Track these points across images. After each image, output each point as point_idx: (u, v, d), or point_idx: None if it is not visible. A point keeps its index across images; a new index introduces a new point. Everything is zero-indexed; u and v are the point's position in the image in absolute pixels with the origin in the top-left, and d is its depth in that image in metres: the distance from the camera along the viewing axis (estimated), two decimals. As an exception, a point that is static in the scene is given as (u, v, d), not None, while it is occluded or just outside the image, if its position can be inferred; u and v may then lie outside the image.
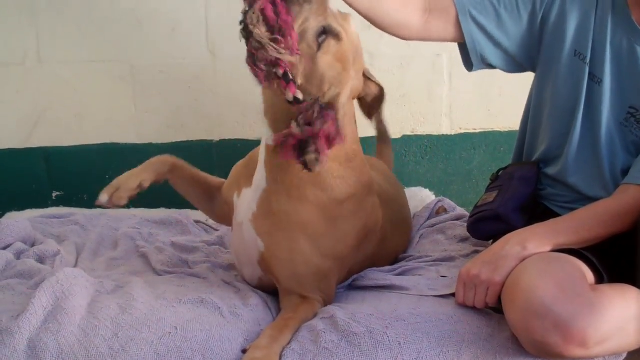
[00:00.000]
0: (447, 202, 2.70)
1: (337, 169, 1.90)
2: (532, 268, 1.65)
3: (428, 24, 2.02)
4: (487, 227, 2.05)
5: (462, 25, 2.00)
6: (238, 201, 1.99)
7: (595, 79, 1.91)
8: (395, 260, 2.27)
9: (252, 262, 1.94)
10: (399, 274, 2.08)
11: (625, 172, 1.87)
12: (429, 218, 2.61)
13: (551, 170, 2.04)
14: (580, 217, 1.81)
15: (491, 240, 2.06)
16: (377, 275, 2.04)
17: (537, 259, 1.69)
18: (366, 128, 3.04)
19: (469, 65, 2.09)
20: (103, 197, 1.98)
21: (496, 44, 2.02)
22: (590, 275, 1.69)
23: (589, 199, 1.89)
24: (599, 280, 1.71)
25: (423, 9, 2.00)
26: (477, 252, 2.19)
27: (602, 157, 1.91)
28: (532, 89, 2.14)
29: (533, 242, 1.74)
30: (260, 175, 1.91)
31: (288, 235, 1.86)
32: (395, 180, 2.53)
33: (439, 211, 2.64)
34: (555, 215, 1.96)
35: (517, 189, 2.05)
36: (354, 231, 1.94)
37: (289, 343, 1.67)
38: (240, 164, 2.11)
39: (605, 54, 1.89)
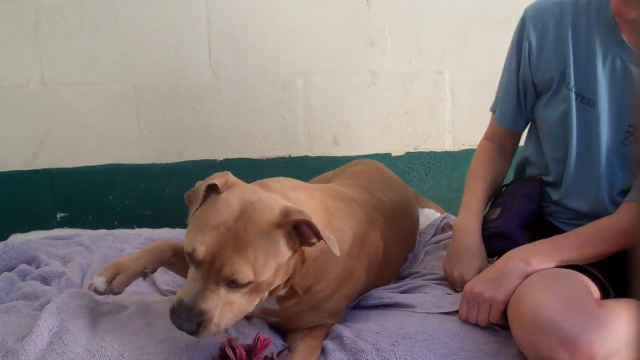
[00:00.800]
0: (452, 219, 2.69)
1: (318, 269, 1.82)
2: (538, 284, 1.64)
3: (506, 150, 2.26)
4: (491, 244, 2.05)
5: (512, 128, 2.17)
6: None
7: (588, 102, 1.89)
8: (400, 267, 2.31)
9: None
10: (404, 292, 2.07)
11: (624, 192, 1.87)
12: (434, 235, 2.60)
13: (554, 196, 2.03)
14: (584, 234, 1.81)
15: (496, 257, 2.06)
16: (382, 294, 2.03)
17: (542, 275, 1.69)
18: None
19: None
20: (99, 283, 1.74)
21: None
22: (596, 291, 1.68)
23: (592, 218, 1.88)
24: (605, 295, 1.71)
25: (501, 153, 2.25)
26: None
27: (600, 179, 1.89)
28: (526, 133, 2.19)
29: (537, 258, 1.74)
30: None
31: (309, 310, 1.85)
32: (398, 183, 2.53)
33: (444, 228, 2.64)
34: (559, 231, 1.96)
35: (521, 206, 2.05)
36: (362, 269, 1.95)
37: None
38: None
39: (596, 76, 1.87)
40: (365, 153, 3.19)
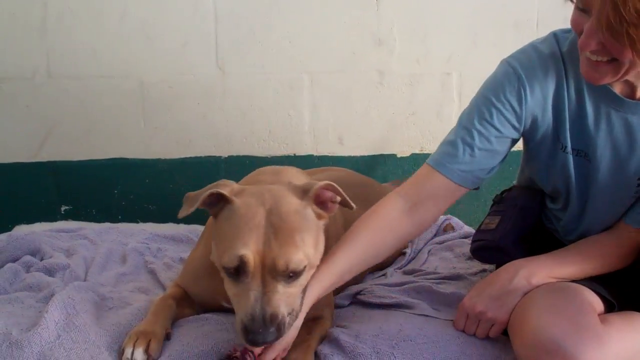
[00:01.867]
0: (455, 220, 2.70)
1: None
2: (540, 302, 1.63)
3: (419, 215, 1.83)
4: (488, 255, 2.03)
5: (462, 183, 1.82)
6: None
7: (585, 156, 1.78)
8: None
9: None
10: (406, 290, 2.07)
11: None
12: (436, 234, 2.61)
13: (556, 223, 1.99)
14: (585, 252, 1.78)
15: (495, 265, 2.05)
16: (383, 292, 2.04)
17: (544, 291, 1.67)
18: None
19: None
20: (139, 354, 1.60)
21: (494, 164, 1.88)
22: (599, 304, 1.67)
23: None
24: (609, 307, 1.70)
25: (407, 215, 1.82)
26: (485, 270, 2.19)
27: (602, 225, 1.84)
28: (522, 162, 2.07)
29: (538, 276, 1.72)
30: None
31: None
32: (361, 179, 2.57)
33: (446, 228, 2.64)
34: (559, 242, 1.94)
35: (519, 219, 2.00)
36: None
37: None
38: (204, 263, 1.86)
39: (589, 132, 1.75)
40: (370, 153, 3.19)
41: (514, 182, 2.22)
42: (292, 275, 1.54)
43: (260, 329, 1.49)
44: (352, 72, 3.14)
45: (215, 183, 1.65)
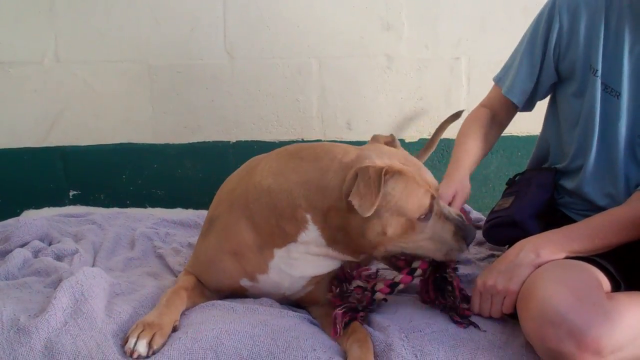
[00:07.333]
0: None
1: None
2: (548, 276, 1.63)
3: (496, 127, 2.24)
4: (503, 232, 2.04)
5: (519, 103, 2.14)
6: (259, 284, 1.87)
7: (613, 92, 1.85)
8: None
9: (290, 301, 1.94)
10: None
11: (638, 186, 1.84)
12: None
13: (569, 184, 2.01)
14: (594, 225, 1.78)
15: (507, 245, 2.05)
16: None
17: (552, 266, 1.68)
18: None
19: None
20: (142, 346, 1.58)
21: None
22: (606, 283, 1.67)
23: (603, 209, 1.87)
24: (616, 287, 1.70)
25: (493, 121, 2.24)
26: (493, 255, 2.19)
27: (618, 171, 1.87)
28: (549, 103, 2.14)
29: (546, 249, 1.73)
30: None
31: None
32: None
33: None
34: (572, 221, 1.94)
35: (534, 195, 2.03)
36: None
37: None
38: (223, 249, 1.87)
39: (622, 66, 1.83)
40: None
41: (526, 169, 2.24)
42: None
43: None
44: (361, 57, 3.13)
45: (355, 158, 1.76)
